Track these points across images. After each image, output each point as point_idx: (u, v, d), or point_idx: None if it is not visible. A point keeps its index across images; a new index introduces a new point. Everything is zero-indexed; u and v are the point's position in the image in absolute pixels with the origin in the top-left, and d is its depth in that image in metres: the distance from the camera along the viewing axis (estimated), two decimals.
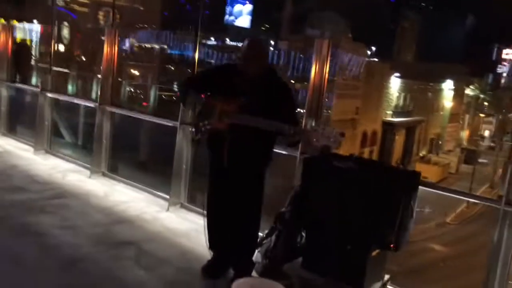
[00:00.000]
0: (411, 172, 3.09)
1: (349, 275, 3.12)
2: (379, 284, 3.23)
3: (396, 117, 30.05)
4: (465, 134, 37.10)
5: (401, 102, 31.56)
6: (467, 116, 37.04)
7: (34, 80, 9.54)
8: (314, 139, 2.74)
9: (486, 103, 37.99)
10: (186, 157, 4.75)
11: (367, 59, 28.37)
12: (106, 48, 5.51)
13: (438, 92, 34.25)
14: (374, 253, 3.09)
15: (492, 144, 35.22)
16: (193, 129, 3.28)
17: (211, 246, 3.45)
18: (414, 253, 17.66)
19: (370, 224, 3.03)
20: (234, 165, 3.15)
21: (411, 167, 26.26)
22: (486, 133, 38.59)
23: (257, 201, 3.31)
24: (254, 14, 35.73)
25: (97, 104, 5.68)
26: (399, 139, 29.69)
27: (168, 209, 4.70)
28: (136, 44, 29.26)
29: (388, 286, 3.36)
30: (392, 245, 3.01)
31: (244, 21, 35.62)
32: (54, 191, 4.99)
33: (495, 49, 47.72)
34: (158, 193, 5.09)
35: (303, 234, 3.38)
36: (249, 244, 3.37)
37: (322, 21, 28.76)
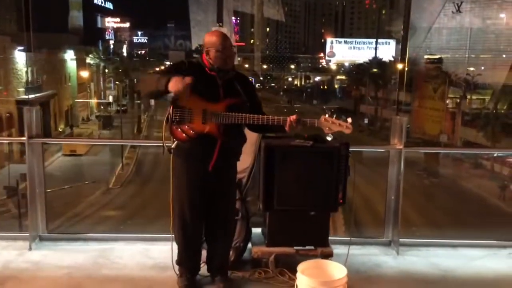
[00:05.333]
0: (344, 142, 3.68)
1: (315, 237, 3.57)
2: None
3: (29, 94, 27.99)
4: (94, 102, 38.22)
5: (29, 77, 29.41)
6: (92, 84, 38.01)
7: None
8: (327, 128, 2.96)
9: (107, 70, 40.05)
10: (39, 178, 3.74)
11: None
12: None
13: (62, 62, 33.56)
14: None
15: (119, 108, 37.21)
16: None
17: (184, 261, 3.16)
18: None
19: (326, 189, 3.53)
20: (219, 168, 2.99)
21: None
22: (110, 99, 40.93)
23: (235, 200, 3.27)
24: None
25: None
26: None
27: (30, 248, 3.66)
28: None
29: None
30: (341, 201, 3.63)
31: None
32: None
33: (99, 17, 50.21)
34: None
35: (266, 217, 3.54)
36: (229, 245, 3.28)
37: None
